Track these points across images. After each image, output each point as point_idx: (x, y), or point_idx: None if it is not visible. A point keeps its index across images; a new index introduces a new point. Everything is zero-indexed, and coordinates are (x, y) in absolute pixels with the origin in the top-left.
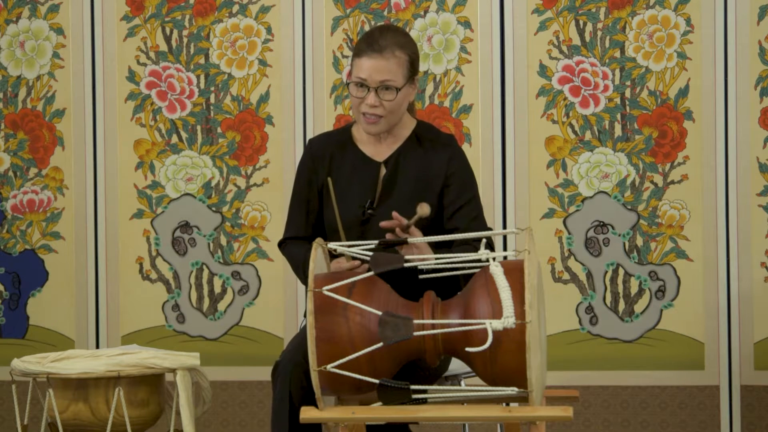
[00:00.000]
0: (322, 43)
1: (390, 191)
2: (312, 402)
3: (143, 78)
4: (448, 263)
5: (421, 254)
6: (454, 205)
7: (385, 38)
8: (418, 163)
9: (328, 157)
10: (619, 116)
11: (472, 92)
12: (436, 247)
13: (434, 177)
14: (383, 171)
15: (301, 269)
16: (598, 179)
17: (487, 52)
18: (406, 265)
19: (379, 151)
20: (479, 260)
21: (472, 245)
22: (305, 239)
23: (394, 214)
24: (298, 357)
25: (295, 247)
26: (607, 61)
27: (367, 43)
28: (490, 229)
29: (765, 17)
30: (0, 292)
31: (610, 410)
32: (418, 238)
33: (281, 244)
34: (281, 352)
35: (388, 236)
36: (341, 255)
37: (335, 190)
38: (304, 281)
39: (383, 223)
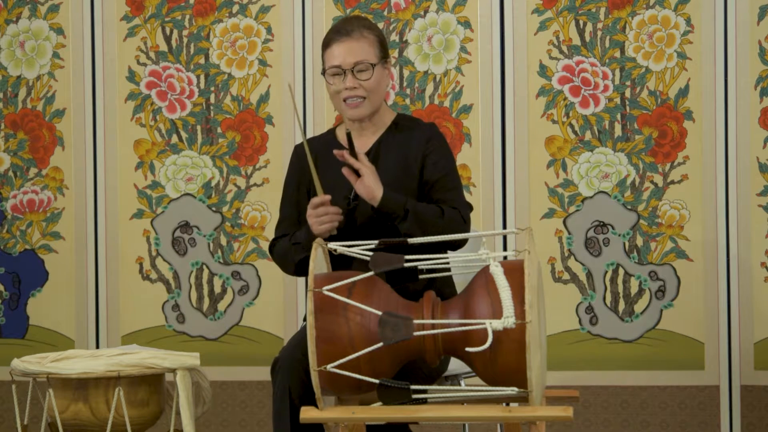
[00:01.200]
0: None
1: None
2: (312, 399)
3: (143, 78)
4: (448, 263)
5: (369, 186)
6: (431, 180)
7: (350, 23)
8: (398, 149)
9: (314, 158)
10: (619, 116)
11: (472, 92)
12: (394, 207)
13: (413, 160)
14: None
15: (289, 257)
16: (598, 179)
17: (487, 52)
18: (406, 265)
19: (361, 143)
20: (479, 260)
21: (440, 209)
22: None
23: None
24: (297, 353)
25: (281, 243)
26: (607, 61)
27: (335, 32)
28: (470, 204)
29: (765, 17)
30: (0, 292)
31: (610, 410)
32: (416, 238)
33: (271, 245)
34: (281, 349)
35: (344, 170)
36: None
37: (322, 187)
38: (292, 270)
39: (335, 152)
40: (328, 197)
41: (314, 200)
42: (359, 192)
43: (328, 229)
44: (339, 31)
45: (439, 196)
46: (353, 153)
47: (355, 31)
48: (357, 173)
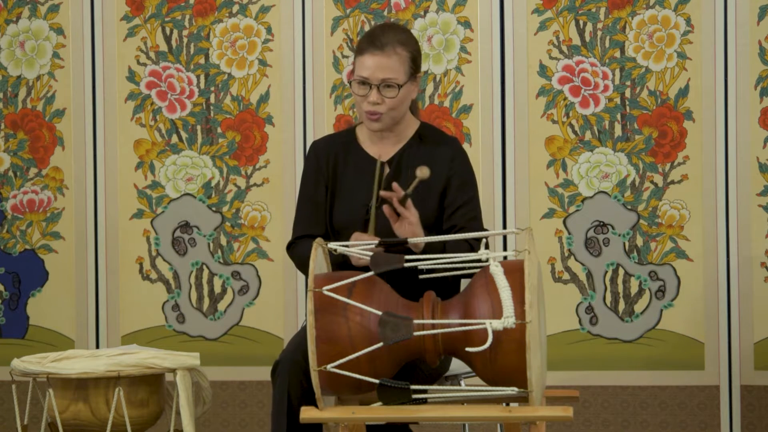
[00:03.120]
0: (322, 43)
1: (391, 190)
2: (311, 402)
3: (143, 78)
4: (448, 263)
5: (413, 232)
6: (454, 205)
7: (386, 35)
8: (420, 162)
9: (333, 157)
10: (619, 116)
11: (472, 92)
12: (429, 246)
13: (436, 177)
14: (386, 170)
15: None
16: (598, 179)
17: (487, 52)
18: (406, 265)
19: (382, 151)
20: (479, 260)
21: (468, 244)
22: (314, 237)
23: (394, 185)
24: (297, 356)
25: (301, 246)
26: (607, 61)
27: (369, 41)
28: (487, 229)
29: (765, 17)
30: (0, 292)
31: (610, 410)
32: (417, 239)
33: (290, 246)
34: (281, 352)
35: (385, 208)
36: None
37: (339, 190)
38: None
39: (383, 193)
40: (377, 240)
41: (363, 235)
42: (401, 234)
43: (365, 264)
44: (374, 42)
45: (461, 224)
46: (404, 198)
47: (388, 46)
48: (397, 212)
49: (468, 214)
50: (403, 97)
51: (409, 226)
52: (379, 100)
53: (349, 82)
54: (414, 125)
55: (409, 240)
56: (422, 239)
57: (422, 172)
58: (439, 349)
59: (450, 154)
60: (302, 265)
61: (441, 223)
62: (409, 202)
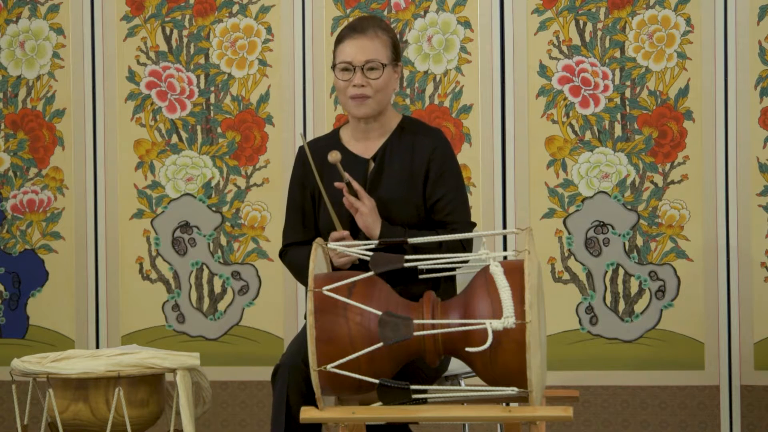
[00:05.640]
0: (322, 43)
1: (377, 186)
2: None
3: (143, 78)
4: (448, 263)
5: (366, 223)
6: (432, 198)
7: (366, 22)
8: (403, 155)
9: (319, 161)
10: (619, 116)
11: (472, 92)
12: (411, 228)
13: (418, 168)
14: (371, 166)
15: (305, 276)
16: (598, 179)
17: (487, 52)
18: (406, 265)
19: (367, 148)
20: (479, 260)
21: (461, 244)
22: (304, 244)
23: (345, 174)
24: (296, 361)
25: (295, 252)
26: (607, 61)
27: (350, 28)
28: (473, 223)
29: (765, 17)
30: (0, 292)
31: (610, 410)
32: (416, 239)
33: (282, 254)
34: (281, 355)
35: (345, 201)
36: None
37: (328, 193)
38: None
39: (336, 184)
40: (346, 233)
41: (334, 234)
42: (359, 225)
43: (346, 262)
44: (354, 28)
45: (441, 217)
46: (350, 188)
47: (369, 30)
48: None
49: (447, 206)
50: (387, 79)
51: (362, 216)
52: (363, 83)
53: (333, 67)
54: (396, 118)
55: (409, 240)
56: (422, 239)
57: (332, 156)
58: (439, 349)
59: (431, 146)
60: (298, 273)
61: (428, 217)
62: (362, 191)
